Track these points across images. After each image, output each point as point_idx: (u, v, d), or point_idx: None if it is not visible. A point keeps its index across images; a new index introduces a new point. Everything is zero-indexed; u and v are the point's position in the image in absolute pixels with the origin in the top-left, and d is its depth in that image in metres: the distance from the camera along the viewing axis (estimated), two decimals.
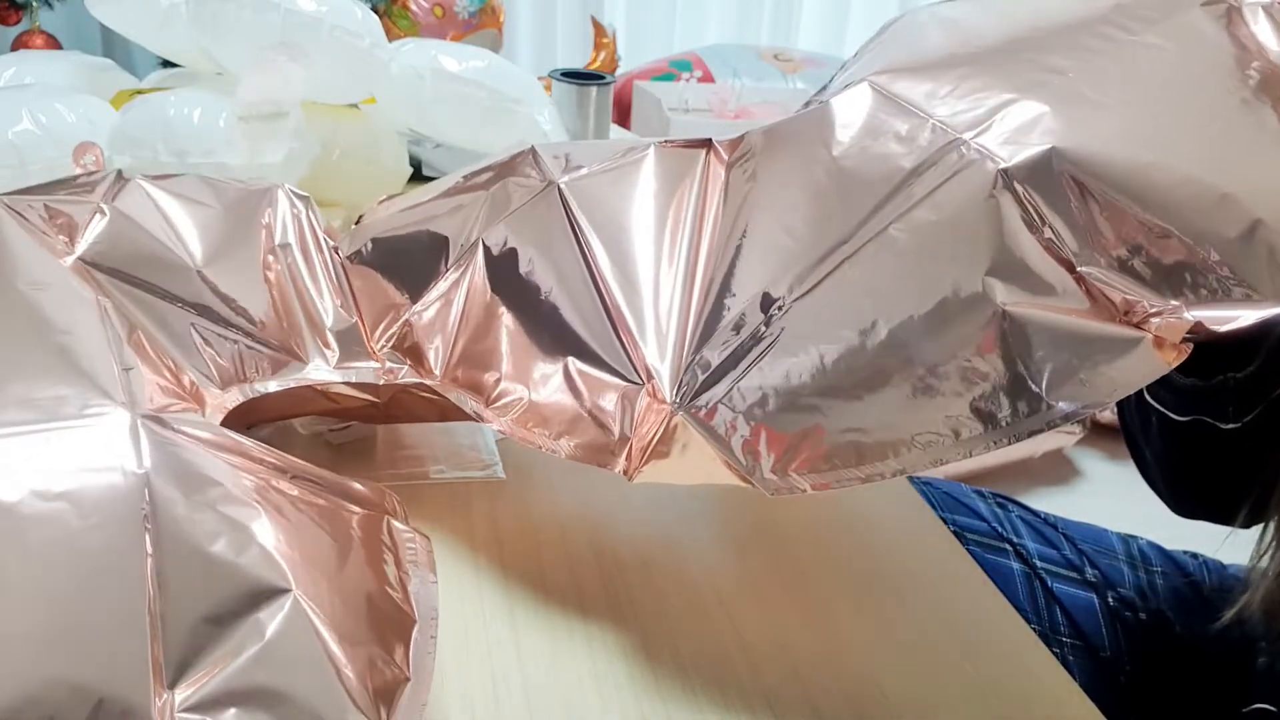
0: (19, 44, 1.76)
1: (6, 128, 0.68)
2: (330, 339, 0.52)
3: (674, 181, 0.49)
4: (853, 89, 0.45)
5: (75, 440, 0.36)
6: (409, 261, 0.52)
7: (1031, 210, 0.38)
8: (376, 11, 1.71)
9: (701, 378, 0.42)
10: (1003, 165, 0.39)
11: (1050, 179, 0.39)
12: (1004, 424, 0.37)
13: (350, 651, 0.34)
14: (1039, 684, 0.45)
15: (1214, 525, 0.60)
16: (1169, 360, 0.36)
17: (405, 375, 0.50)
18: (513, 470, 0.56)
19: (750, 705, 0.42)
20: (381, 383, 0.51)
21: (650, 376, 0.43)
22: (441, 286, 0.50)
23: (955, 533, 0.59)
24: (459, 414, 0.51)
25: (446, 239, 0.51)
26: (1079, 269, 0.37)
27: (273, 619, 0.33)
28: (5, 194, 0.49)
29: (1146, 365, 0.36)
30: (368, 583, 0.37)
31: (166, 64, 1.04)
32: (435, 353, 0.50)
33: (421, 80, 0.84)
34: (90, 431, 0.37)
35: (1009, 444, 0.36)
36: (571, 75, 1.10)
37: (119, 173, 0.52)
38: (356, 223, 0.56)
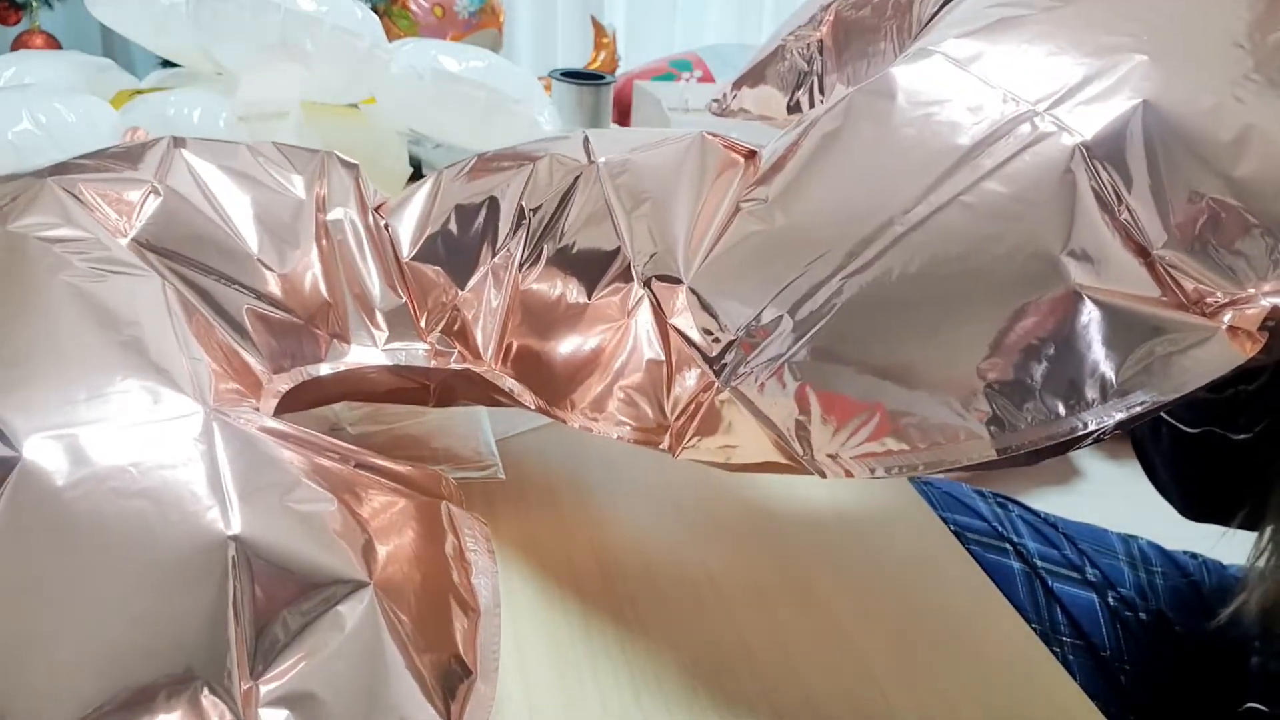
0: (19, 44, 1.76)
1: (6, 128, 0.68)
2: (380, 319, 0.50)
3: (714, 169, 0.47)
4: (916, 59, 0.43)
5: (152, 436, 0.36)
6: (453, 243, 0.51)
7: (1109, 188, 0.37)
8: (376, 11, 1.71)
9: (749, 354, 0.40)
10: (1081, 140, 0.37)
11: (1129, 150, 0.37)
12: (1075, 410, 0.35)
13: (422, 644, 0.34)
14: (1039, 684, 0.45)
15: (1214, 525, 0.60)
16: (1245, 350, 0.34)
17: (455, 360, 0.49)
18: (513, 470, 0.56)
19: (750, 705, 0.42)
20: (432, 365, 0.49)
21: (696, 350, 0.42)
22: (486, 268, 0.49)
23: (955, 532, 0.59)
24: (510, 398, 0.50)
25: (493, 220, 0.50)
26: (1153, 253, 0.36)
27: (353, 612, 0.33)
28: (54, 168, 0.47)
29: (1223, 356, 0.34)
30: (436, 573, 0.37)
31: (166, 64, 1.04)
32: (484, 336, 0.49)
33: (421, 80, 0.84)
34: (166, 427, 0.36)
35: (1084, 430, 0.34)
36: (571, 75, 1.10)
37: (171, 140, 0.50)
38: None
